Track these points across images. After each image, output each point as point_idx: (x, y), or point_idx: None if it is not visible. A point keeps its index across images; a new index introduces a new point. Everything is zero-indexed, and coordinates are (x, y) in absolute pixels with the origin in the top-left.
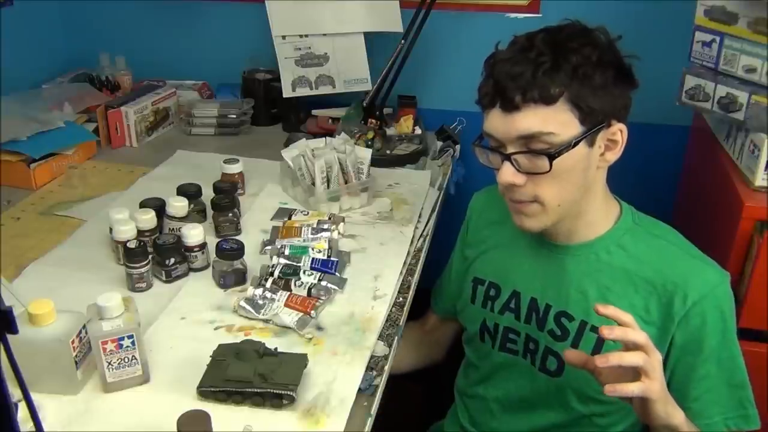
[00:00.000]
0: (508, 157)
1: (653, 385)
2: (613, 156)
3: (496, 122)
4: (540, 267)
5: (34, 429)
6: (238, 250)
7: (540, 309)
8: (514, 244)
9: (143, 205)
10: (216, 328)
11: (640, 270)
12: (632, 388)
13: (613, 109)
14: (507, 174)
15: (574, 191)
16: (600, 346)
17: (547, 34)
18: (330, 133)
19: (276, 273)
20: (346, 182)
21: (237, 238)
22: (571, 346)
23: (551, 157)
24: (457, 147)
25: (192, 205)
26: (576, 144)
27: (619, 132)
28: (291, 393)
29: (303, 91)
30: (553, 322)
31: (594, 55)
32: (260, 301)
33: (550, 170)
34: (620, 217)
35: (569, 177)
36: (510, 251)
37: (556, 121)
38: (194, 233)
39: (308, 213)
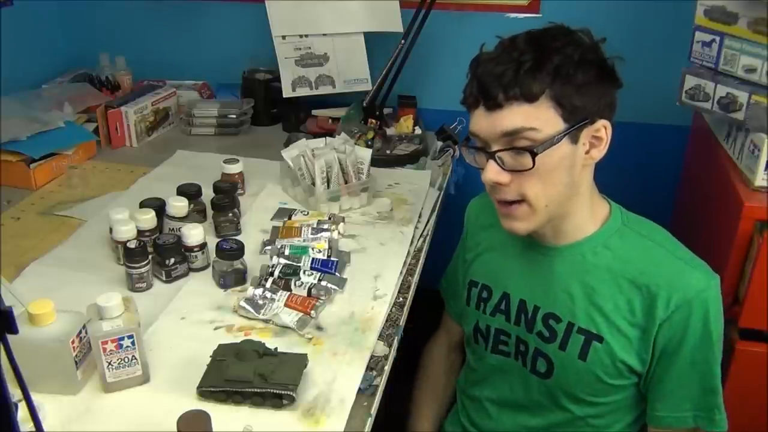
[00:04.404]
0: (492, 156)
1: None
2: (599, 153)
3: (481, 122)
4: (529, 269)
5: (34, 429)
6: (238, 250)
7: (529, 310)
8: (505, 246)
9: (143, 205)
10: (216, 328)
11: (625, 271)
12: None
13: (596, 106)
14: (491, 172)
15: (560, 190)
16: (587, 347)
17: (531, 34)
18: (330, 133)
19: (276, 273)
20: (346, 182)
21: (237, 238)
22: (559, 348)
23: (533, 154)
24: (457, 147)
25: (192, 205)
26: (559, 140)
27: (603, 129)
28: (291, 393)
29: (303, 91)
30: (541, 324)
31: (576, 54)
32: (260, 301)
33: (533, 167)
34: (609, 218)
35: (554, 175)
36: (501, 254)
37: (538, 117)
38: (194, 233)
39: (308, 213)
